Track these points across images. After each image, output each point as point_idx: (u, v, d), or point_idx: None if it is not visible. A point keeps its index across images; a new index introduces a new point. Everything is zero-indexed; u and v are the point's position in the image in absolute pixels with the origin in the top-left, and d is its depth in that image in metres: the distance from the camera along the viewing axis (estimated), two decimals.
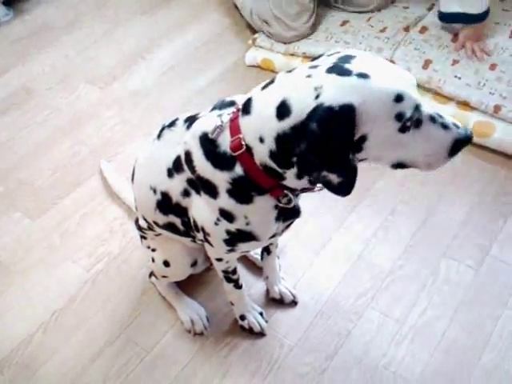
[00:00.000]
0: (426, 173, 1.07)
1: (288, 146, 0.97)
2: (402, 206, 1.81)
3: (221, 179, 1.07)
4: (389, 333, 1.52)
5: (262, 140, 1.00)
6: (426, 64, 2.06)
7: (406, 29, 2.22)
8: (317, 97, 0.92)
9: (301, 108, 0.94)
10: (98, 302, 1.60)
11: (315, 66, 0.97)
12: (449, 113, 1.93)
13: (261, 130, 0.99)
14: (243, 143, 1.02)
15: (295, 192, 1.09)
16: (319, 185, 1.05)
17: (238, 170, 1.05)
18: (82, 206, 1.85)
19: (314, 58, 1.04)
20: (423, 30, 2.23)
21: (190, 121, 1.15)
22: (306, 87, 0.94)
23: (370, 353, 1.48)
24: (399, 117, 0.93)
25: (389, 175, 1.90)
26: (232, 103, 1.11)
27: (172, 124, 1.20)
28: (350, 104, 0.91)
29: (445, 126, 0.98)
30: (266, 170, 1.03)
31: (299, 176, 1.03)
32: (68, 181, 1.93)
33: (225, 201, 1.09)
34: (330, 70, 0.94)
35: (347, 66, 0.94)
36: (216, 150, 1.06)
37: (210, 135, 1.06)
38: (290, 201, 1.10)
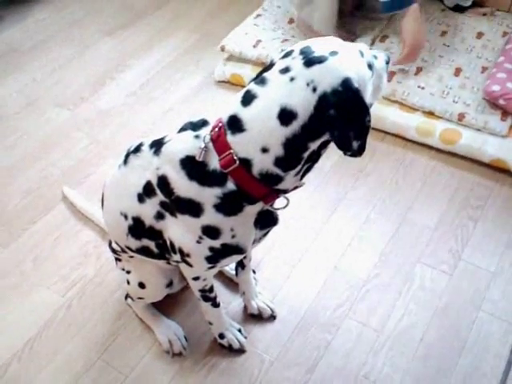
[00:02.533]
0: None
1: (297, 145, 1.02)
2: (375, 215, 1.83)
3: (208, 195, 1.08)
4: (367, 342, 1.53)
5: (265, 150, 1.03)
6: (390, 76, 2.07)
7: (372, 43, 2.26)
8: (314, 90, 0.98)
9: (305, 106, 0.99)
10: (74, 327, 1.58)
11: (287, 69, 1.01)
12: (416, 121, 2.00)
13: (264, 141, 1.02)
14: (235, 158, 1.03)
15: (287, 193, 1.13)
16: (303, 181, 1.13)
17: (230, 184, 1.07)
18: (55, 229, 1.83)
19: (266, 68, 1.07)
20: (383, 38, 2.27)
21: (157, 146, 1.15)
22: (299, 88, 0.99)
23: (349, 363, 1.49)
24: (370, 66, 1.06)
25: (361, 184, 1.92)
26: (205, 122, 1.12)
27: (137, 150, 1.20)
28: (347, 78, 0.99)
29: (376, 57, 1.11)
30: (265, 178, 1.05)
31: (299, 172, 1.08)
32: (40, 204, 1.91)
33: (211, 216, 1.10)
34: (308, 64, 1.00)
35: (316, 54, 1.01)
36: (203, 170, 1.07)
37: (197, 159, 1.07)
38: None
